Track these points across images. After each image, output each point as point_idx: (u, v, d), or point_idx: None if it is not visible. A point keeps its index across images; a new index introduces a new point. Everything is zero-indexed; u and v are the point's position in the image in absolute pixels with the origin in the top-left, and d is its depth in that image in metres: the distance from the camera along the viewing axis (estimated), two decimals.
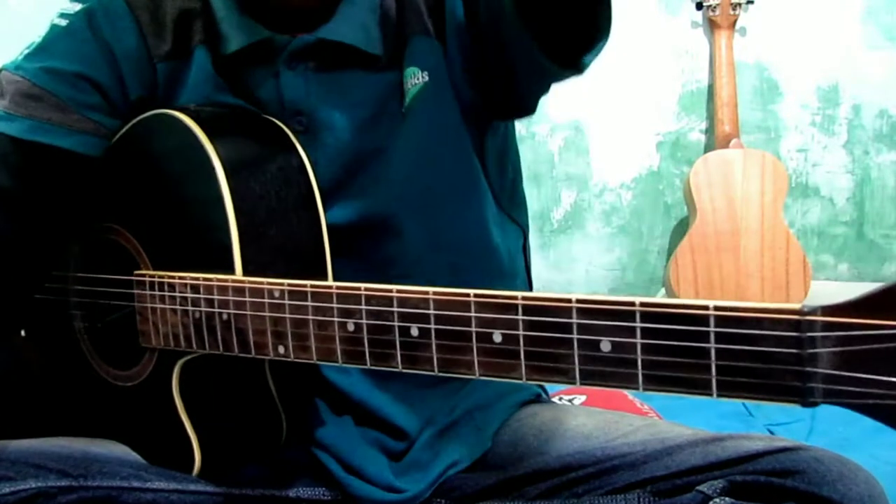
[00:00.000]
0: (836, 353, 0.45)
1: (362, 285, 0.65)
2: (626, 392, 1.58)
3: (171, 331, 0.78)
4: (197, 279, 0.75)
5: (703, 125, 2.32)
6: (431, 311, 0.61)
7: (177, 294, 0.76)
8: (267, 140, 0.82)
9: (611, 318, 0.51)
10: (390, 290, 0.63)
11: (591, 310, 0.52)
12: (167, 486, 0.83)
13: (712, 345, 0.48)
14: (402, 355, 0.63)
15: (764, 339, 0.46)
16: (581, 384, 0.53)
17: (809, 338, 0.45)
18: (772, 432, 1.54)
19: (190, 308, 0.76)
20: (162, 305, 0.78)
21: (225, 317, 0.73)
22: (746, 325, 0.47)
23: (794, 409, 1.55)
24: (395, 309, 0.63)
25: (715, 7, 2.18)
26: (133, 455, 0.86)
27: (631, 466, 0.80)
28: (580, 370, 0.53)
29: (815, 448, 0.74)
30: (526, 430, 0.90)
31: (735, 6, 2.18)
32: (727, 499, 0.72)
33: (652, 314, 0.49)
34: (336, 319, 0.66)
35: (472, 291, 0.59)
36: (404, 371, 0.63)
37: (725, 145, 2.17)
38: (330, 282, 0.69)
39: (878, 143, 2.31)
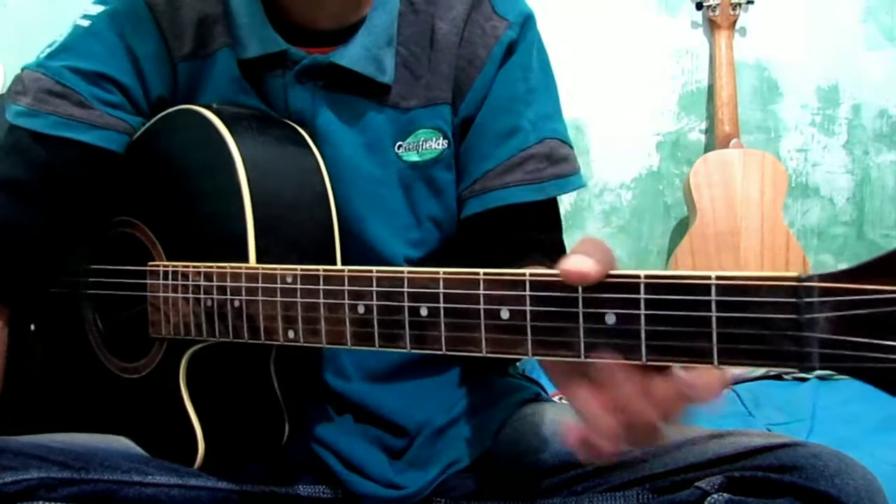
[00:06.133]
0: (833, 318, 0.46)
1: (374, 268, 0.66)
2: None
3: (181, 320, 0.79)
4: (210, 268, 0.76)
5: (703, 125, 2.33)
6: (441, 291, 0.62)
7: (189, 283, 0.78)
8: (285, 140, 0.85)
9: (616, 291, 0.53)
10: (401, 272, 0.64)
11: (596, 283, 0.54)
12: (168, 480, 0.84)
13: (713, 313, 0.49)
14: (410, 335, 0.64)
15: (763, 306, 0.48)
16: (585, 357, 0.54)
17: (807, 303, 0.47)
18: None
19: (202, 296, 0.77)
20: (174, 295, 0.79)
21: (237, 303, 0.75)
22: (746, 293, 0.49)
23: (794, 409, 1.56)
24: (405, 289, 0.64)
25: (715, 7, 2.20)
26: (135, 449, 0.87)
27: (630, 464, 0.81)
28: (585, 343, 0.54)
29: (813, 444, 0.75)
30: (526, 429, 0.91)
31: (735, 6, 2.20)
32: (725, 494, 0.74)
33: (656, 285, 0.51)
34: (346, 302, 0.67)
35: (481, 270, 0.60)
36: (412, 351, 0.63)
37: (725, 145, 2.18)
38: (341, 266, 0.70)
39: (878, 143, 2.32)
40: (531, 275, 0.57)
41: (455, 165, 0.92)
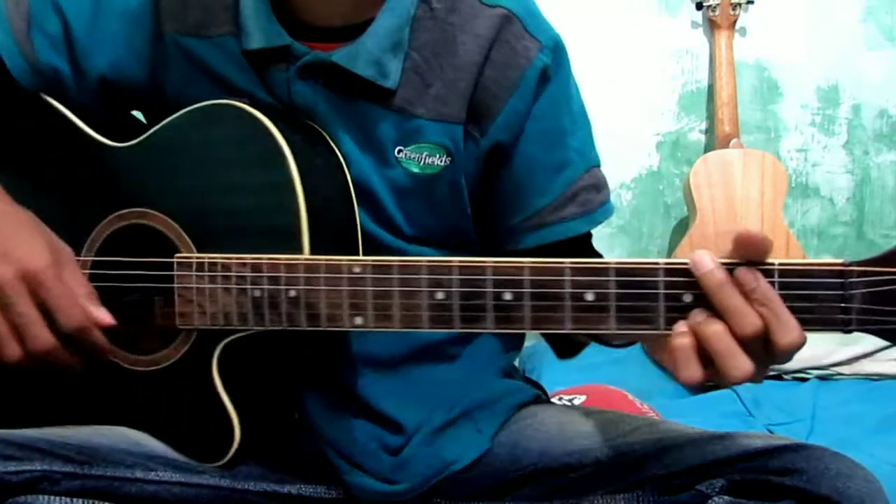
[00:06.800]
0: (867, 293, 0.63)
1: (455, 258, 0.72)
2: (625, 392, 1.60)
3: (221, 310, 0.80)
4: (259, 259, 0.79)
5: (703, 125, 2.34)
6: (526, 278, 0.69)
7: (233, 274, 0.80)
8: (313, 137, 0.88)
9: (692, 276, 0.66)
10: (484, 262, 0.71)
11: (675, 270, 0.66)
12: (171, 477, 0.85)
13: (776, 291, 0.64)
14: (494, 317, 0.71)
15: (817, 285, 0.64)
16: (664, 329, 0.66)
17: (850, 282, 0.63)
18: (771, 432, 1.56)
19: (248, 287, 0.79)
20: (212, 286, 0.81)
21: (293, 293, 0.78)
22: (802, 275, 0.64)
23: (794, 409, 1.57)
24: (488, 277, 0.71)
25: (715, 7, 2.20)
26: (139, 444, 0.87)
27: (630, 466, 0.83)
28: (665, 318, 0.66)
29: (814, 446, 0.78)
30: (525, 431, 0.93)
31: (735, 6, 2.20)
32: (726, 497, 0.76)
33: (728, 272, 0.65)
34: (425, 290, 0.73)
35: (567, 260, 0.69)
36: (494, 330, 0.71)
37: (725, 145, 2.18)
38: (419, 257, 0.74)
39: (878, 143, 2.33)
40: (616, 263, 0.67)
41: (468, 185, 0.92)
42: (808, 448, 0.76)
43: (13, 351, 0.76)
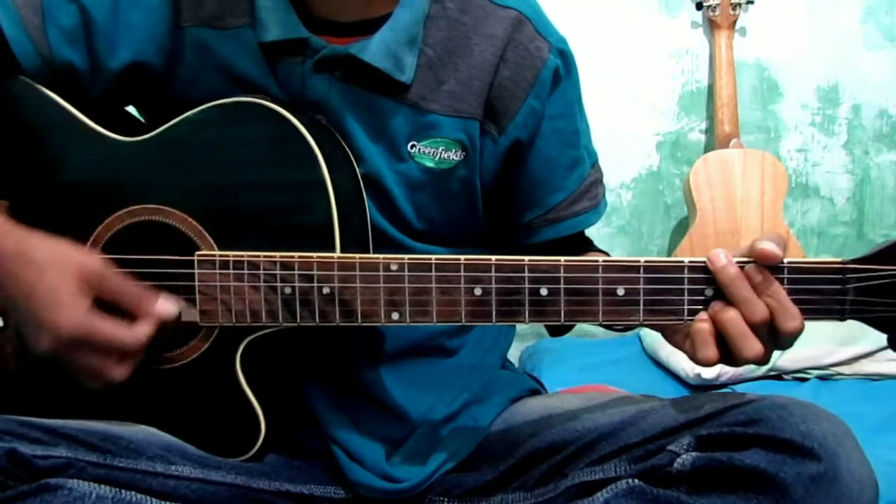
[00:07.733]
0: (859, 287, 0.73)
1: (493, 256, 0.77)
2: (625, 393, 1.60)
3: (248, 308, 0.82)
4: (290, 257, 0.81)
5: (703, 125, 2.34)
6: (562, 275, 0.76)
7: (261, 272, 0.81)
8: (327, 133, 0.90)
9: (710, 273, 0.75)
10: (522, 260, 0.77)
11: (698, 267, 0.75)
12: (190, 472, 0.87)
13: (785, 287, 0.74)
14: (529, 311, 0.77)
15: (820, 280, 0.74)
16: (686, 320, 0.75)
17: (846, 278, 0.73)
18: None
19: (278, 284, 0.81)
20: (239, 283, 0.82)
21: (326, 290, 0.80)
22: (808, 272, 0.74)
23: None
24: (525, 274, 0.76)
25: (715, 7, 2.21)
26: (156, 433, 0.88)
27: (609, 436, 0.87)
28: (688, 309, 0.75)
29: (780, 396, 0.81)
30: (516, 419, 0.97)
31: (735, 6, 2.21)
32: (693, 453, 0.79)
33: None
34: (462, 286, 0.78)
35: (600, 258, 0.76)
36: (528, 323, 0.77)
37: (725, 145, 2.19)
38: (456, 255, 0.79)
39: (878, 143, 2.35)
40: (645, 261, 0.75)
41: (484, 182, 0.95)
42: (772, 398, 0.80)
43: (98, 382, 0.81)
